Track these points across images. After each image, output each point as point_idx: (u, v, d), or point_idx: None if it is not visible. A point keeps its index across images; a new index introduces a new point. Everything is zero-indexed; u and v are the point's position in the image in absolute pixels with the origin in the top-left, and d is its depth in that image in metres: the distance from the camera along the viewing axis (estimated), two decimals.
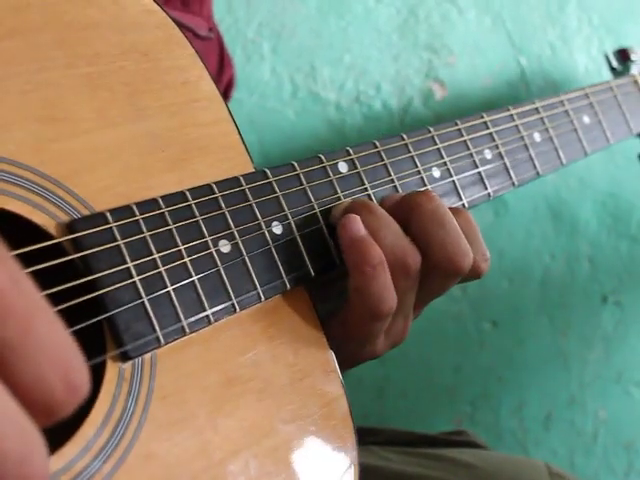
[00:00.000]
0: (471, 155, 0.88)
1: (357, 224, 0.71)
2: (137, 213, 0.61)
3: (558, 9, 1.66)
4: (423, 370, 1.63)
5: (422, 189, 0.78)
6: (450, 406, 1.67)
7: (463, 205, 0.85)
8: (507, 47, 1.63)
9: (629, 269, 1.76)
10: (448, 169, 0.85)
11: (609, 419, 1.76)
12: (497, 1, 1.61)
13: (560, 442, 1.74)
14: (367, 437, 1.14)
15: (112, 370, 0.58)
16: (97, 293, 0.58)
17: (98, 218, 0.60)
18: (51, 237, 0.57)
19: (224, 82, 1.13)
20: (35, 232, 0.57)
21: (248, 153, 0.73)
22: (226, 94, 1.15)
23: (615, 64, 1.28)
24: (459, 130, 0.88)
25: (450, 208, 0.78)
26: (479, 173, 0.88)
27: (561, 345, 1.73)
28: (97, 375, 0.58)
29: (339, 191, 0.76)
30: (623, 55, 1.27)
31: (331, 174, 0.76)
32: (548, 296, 1.71)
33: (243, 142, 0.73)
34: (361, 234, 0.71)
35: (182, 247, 0.63)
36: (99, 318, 0.58)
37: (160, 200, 0.63)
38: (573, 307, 1.73)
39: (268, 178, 0.71)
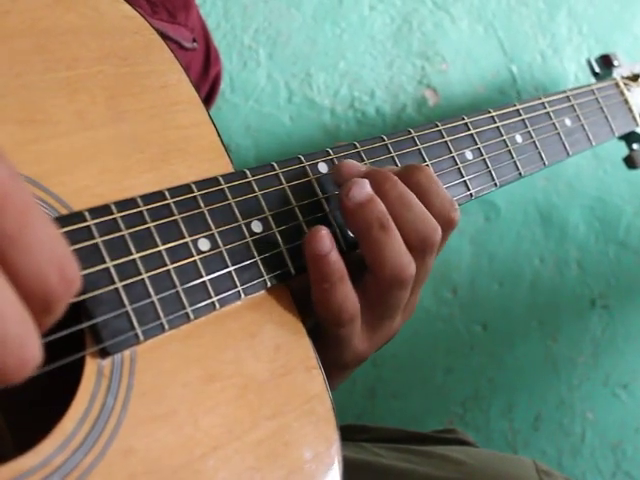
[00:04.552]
0: (452, 156, 0.87)
1: (321, 241, 0.69)
2: (115, 212, 0.61)
3: (549, 18, 1.68)
4: (415, 371, 1.64)
5: (384, 172, 0.76)
6: (441, 407, 1.68)
7: None
8: (499, 55, 1.64)
9: (617, 273, 1.76)
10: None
11: (596, 421, 1.77)
12: (489, 10, 1.63)
13: (549, 443, 1.74)
14: (359, 434, 1.15)
15: (91, 366, 0.58)
16: (80, 298, 0.57)
17: (76, 217, 0.59)
18: None
19: (211, 77, 1.12)
20: None
21: (228, 155, 0.72)
22: (213, 89, 1.14)
23: (598, 70, 1.29)
24: (440, 131, 0.87)
25: (408, 166, 0.78)
26: (460, 174, 0.87)
27: (550, 348, 1.74)
28: (76, 371, 0.58)
29: (319, 191, 0.75)
30: (605, 61, 1.27)
31: (311, 174, 0.75)
32: (538, 299, 1.71)
33: (223, 144, 0.73)
34: (324, 252, 0.69)
35: (161, 245, 0.63)
36: (84, 325, 0.57)
37: (139, 199, 0.63)
38: (562, 310, 1.74)
39: (247, 178, 0.71)
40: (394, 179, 0.74)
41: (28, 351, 0.41)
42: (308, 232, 0.70)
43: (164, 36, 0.71)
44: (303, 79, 1.48)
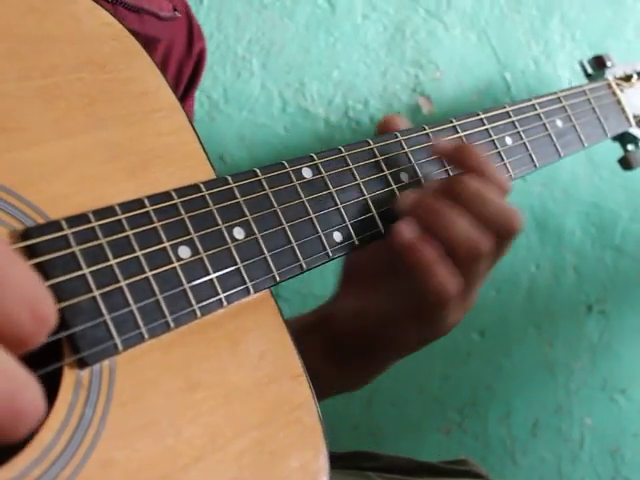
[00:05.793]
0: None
1: (406, 230, 0.74)
2: (93, 220, 0.59)
3: (542, 25, 1.68)
4: (412, 379, 1.64)
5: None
6: (439, 415, 1.68)
7: None
8: (492, 62, 1.64)
9: (613, 279, 1.76)
10: (417, 173, 0.83)
11: (595, 426, 1.77)
12: (482, 18, 1.63)
13: (547, 449, 1.74)
14: (366, 462, 1.10)
15: (69, 377, 0.57)
16: (59, 306, 0.56)
17: (52, 226, 0.58)
18: None
19: (195, 54, 1.09)
20: None
21: (210, 162, 0.71)
22: (198, 67, 1.10)
23: (590, 71, 1.26)
24: (427, 135, 0.85)
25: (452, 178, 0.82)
26: (449, 176, 0.85)
27: (547, 354, 1.74)
28: (54, 382, 0.56)
29: (303, 196, 0.74)
30: (598, 62, 1.25)
31: (294, 179, 0.74)
32: (534, 306, 1.71)
33: (204, 151, 0.71)
34: (410, 239, 0.73)
35: (140, 253, 0.61)
36: (60, 335, 0.56)
37: (117, 207, 0.61)
38: (559, 316, 1.74)
39: (229, 184, 0.69)
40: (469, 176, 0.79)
41: (21, 403, 0.40)
42: (391, 227, 0.75)
43: (139, 10, 0.70)
44: (297, 89, 1.49)
